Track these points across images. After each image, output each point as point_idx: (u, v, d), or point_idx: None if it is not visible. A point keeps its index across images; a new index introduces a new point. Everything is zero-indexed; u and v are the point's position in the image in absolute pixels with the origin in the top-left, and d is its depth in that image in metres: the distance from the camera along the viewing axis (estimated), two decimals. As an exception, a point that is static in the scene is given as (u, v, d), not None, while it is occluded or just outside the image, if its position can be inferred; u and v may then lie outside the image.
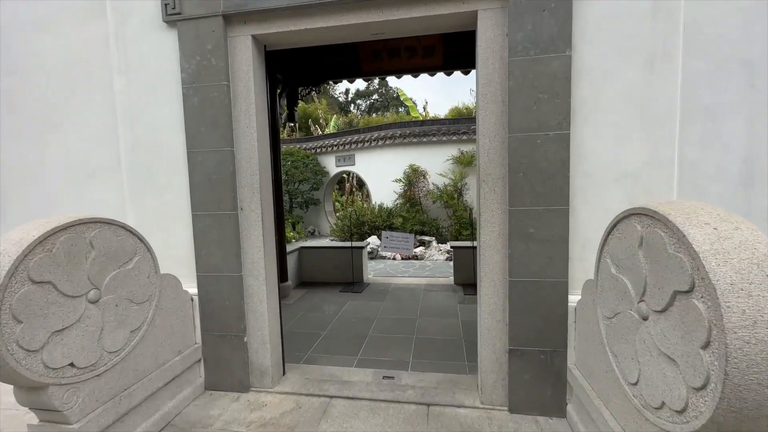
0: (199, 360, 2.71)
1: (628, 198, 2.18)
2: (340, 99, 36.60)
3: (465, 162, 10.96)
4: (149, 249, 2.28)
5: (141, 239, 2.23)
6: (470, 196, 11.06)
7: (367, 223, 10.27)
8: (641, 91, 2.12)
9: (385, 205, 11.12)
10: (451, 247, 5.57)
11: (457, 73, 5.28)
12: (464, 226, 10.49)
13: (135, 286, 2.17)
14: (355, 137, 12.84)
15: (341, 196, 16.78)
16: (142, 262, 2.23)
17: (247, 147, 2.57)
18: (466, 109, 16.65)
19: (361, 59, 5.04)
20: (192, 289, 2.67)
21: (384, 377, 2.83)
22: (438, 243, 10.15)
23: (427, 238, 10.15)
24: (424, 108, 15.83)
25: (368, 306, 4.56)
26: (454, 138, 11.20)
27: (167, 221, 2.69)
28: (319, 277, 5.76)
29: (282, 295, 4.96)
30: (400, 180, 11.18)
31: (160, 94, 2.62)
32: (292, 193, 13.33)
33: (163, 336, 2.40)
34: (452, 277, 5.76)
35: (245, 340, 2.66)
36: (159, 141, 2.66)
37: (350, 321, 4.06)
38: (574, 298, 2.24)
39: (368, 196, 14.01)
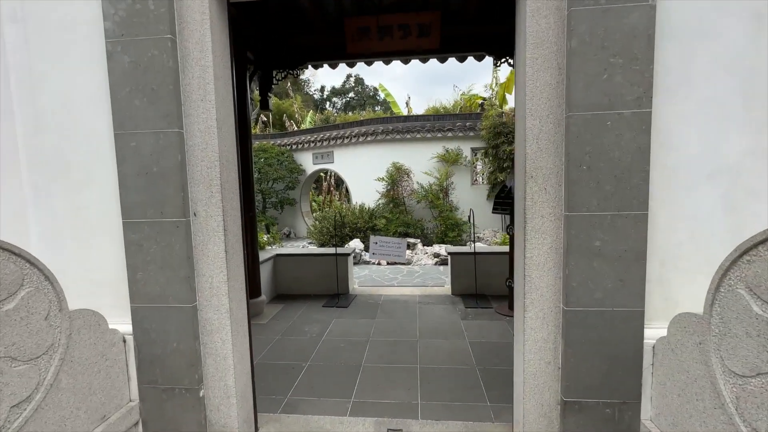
0: (137, 423, 1.96)
1: (723, 200, 1.64)
2: (315, 96, 35.52)
3: (450, 160, 10.49)
4: (48, 276, 1.52)
5: (32, 263, 1.47)
6: (456, 196, 10.60)
7: (348, 224, 9.57)
8: (744, 57, 1.59)
9: (366, 206, 10.45)
10: (448, 253, 5.00)
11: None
12: (450, 227, 10.01)
13: (21, 335, 1.41)
14: (334, 133, 12.09)
15: (318, 195, 15.96)
16: (35, 297, 1.47)
17: (203, 128, 1.85)
18: (444, 108, 16.22)
19: (346, 38, 4.34)
20: (124, 327, 1.92)
21: (389, 431, 2.18)
22: (424, 245, 9.60)
23: (412, 240, 9.57)
24: (407, 104, 15.24)
25: (358, 325, 3.90)
26: (439, 135, 10.71)
27: (86, 232, 1.92)
28: (297, 288, 5.03)
29: (254, 313, 4.21)
30: (382, 179, 10.55)
31: (74, 53, 1.85)
32: (265, 193, 12.40)
33: (76, 400, 1.64)
34: (448, 286, 5.19)
35: (201, 394, 1.94)
36: (73, 119, 1.88)
37: (338, 346, 3.39)
38: (651, 334, 1.68)
39: (347, 194, 13.29)
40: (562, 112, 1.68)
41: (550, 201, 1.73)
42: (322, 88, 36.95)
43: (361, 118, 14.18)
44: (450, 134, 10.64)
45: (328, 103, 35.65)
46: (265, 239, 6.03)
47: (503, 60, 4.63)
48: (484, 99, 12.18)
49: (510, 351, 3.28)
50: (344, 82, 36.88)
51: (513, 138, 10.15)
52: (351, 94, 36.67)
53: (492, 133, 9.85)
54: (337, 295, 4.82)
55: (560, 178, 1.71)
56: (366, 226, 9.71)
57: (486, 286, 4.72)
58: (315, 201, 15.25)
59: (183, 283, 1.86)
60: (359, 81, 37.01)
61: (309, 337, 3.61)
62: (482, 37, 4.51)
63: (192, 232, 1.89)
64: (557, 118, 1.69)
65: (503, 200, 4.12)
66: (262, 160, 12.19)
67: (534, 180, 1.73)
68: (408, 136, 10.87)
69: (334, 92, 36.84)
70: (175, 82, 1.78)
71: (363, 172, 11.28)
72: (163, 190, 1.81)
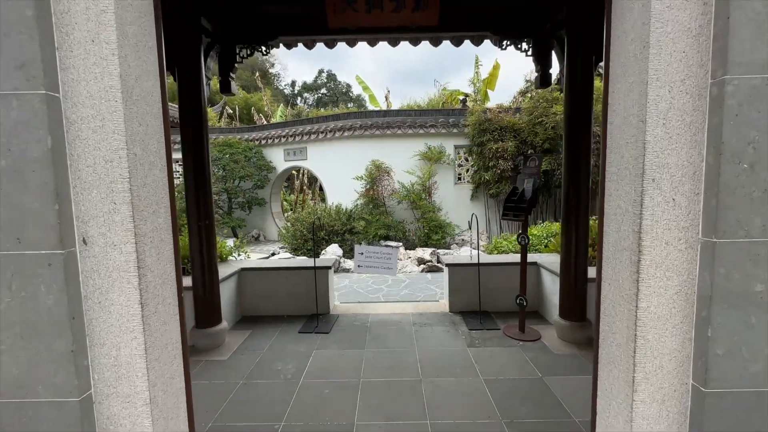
0: None
1: None
2: (285, 91, 34.10)
3: (433, 158, 9.91)
4: None
5: None
6: (439, 196, 10.03)
7: (324, 227, 8.76)
8: None
9: (344, 206, 9.67)
10: (446, 265, 4.36)
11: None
12: (433, 229, 9.43)
13: None
14: (308, 127, 11.20)
15: (290, 194, 14.98)
16: None
17: (95, 90, 1.06)
18: (418, 106, 15.66)
19: (326, 8, 3.59)
20: (-43, 438, 1.10)
21: None
22: (406, 249, 8.96)
23: (393, 243, 8.91)
24: (386, 98, 14.51)
25: (344, 358, 3.16)
26: (421, 131, 10.10)
27: None
28: (268, 309, 4.22)
29: (213, 346, 3.37)
30: (361, 177, 9.80)
31: None
32: (231, 192, 11.32)
33: None
34: (443, 301, 4.57)
35: None
36: None
37: (321, 393, 2.64)
38: (830, 425, 1.09)
39: (321, 193, 12.44)
40: (705, 75, 1.05)
41: (680, 219, 1.09)
42: (293, 83, 35.70)
43: (337, 113, 13.35)
44: (432, 131, 10.06)
45: (299, 98, 34.44)
46: (230, 245, 5.12)
47: (509, 43, 4.04)
48: (466, 95, 11.71)
49: (537, 391, 2.64)
50: (316, 77, 35.80)
51: (499, 135, 9.66)
52: (323, 90, 35.61)
53: (477, 130, 9.37)
54: (317, 316, 4.06)
55: (699, 181, 1.08)
56: (344, 228, 8.94)
57: (488, 302, 4.13)
58: (286, 200, 14.28)
59: (63, 359, 1.07)
60: (332, 77, 36.00)
61: (283, 380, 2.83)
62: (486, 14, 3.90)
63: (80, 272, 1.10)
64: (697, 86, 1.05)
65: (515, 205, 3.52)
66: (227, 156, 11.11)
67: (657, 185, 1.08)
68: (388, 132, 10.18)
69: (306, 87, 35.64)
70: (41, 6, 0.99)
71: (339, 170, 10.48)
72: (20, 198, 1.01)
